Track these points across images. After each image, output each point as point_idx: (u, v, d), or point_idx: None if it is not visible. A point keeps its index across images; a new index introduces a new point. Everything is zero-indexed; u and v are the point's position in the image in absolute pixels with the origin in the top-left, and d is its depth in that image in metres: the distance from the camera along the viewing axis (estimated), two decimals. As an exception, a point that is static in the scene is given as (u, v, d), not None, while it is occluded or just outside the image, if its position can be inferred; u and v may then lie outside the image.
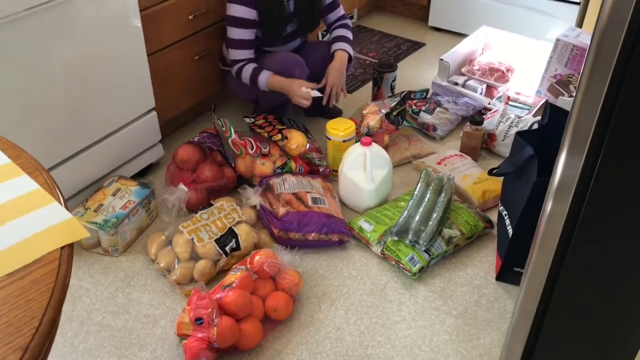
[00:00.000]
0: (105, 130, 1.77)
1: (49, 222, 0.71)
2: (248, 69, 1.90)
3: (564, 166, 0.85)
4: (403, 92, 2.10)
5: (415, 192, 1.73)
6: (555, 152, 0.88)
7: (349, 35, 2.07)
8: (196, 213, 1.71)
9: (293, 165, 1.89)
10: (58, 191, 0.77)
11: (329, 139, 1.92)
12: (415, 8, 3.13)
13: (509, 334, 1.05)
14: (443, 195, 1.71)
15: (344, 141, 1.91)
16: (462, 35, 2.95)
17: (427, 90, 2.14)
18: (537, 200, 1.39)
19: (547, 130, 1.61)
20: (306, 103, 1.85)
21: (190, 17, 1.98)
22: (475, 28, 2.84)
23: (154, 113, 1.93)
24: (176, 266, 1.58)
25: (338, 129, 1.90)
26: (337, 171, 1.92)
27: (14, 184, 0.77)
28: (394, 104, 2.06)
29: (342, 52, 1.99)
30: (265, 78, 1.90)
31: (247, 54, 1.93)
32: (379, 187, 1.81)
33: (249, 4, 1.88)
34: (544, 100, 2.26)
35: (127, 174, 1.89)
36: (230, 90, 2.18)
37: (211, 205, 1.74)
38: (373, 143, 1.81)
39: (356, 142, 1.92)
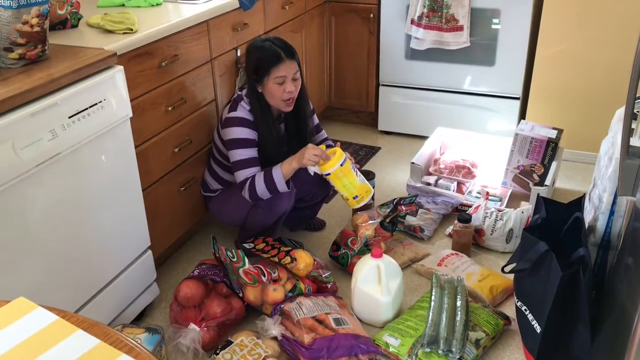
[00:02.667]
0: (101, 283, 1.65)
1: (80, 351, 0.69)
2: (259, 177, 1.87)
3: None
4: (395, 199, 2.13)
5: (433, 299, 1.70)
6: (563, 241, 0.86)
7: (329, 143, 2.13)
8: (217, 354, 1.59)
9: (302, 286, 1.85)
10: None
11: (328, 174, 1.85)
12: (364, 115, 3.26)
13: None
14: (459, 297, 1.71)
15: (340, 165, 1.88)
16: (412, 136, 3.09)
17: (416, 196, 2.19)
18: (566, 293, 1.45)
19: (547, 222, 1.67)
20: (316, 159, 1.80)
21: (175, 150, 1.97)
22: (421, 128, 3.00)
23: (149, 252, 1.85)
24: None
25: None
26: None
27: (28, 319, 0.74)
28: (388, 210, 2.08)
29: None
30: (279, 173, 1.87)
31: (255, 170, 1.92)
32: (395, 297, 1.79)
33: (250, 125, 1.91)
34: (510, 191, 2.40)
35: (126, 322, 1.76)
36: (215, 215, 2.14)
37: (231, 342, 1.63)
38: (383, 255, 1.81)
39: (365, 248, 1.91)
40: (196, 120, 2.06)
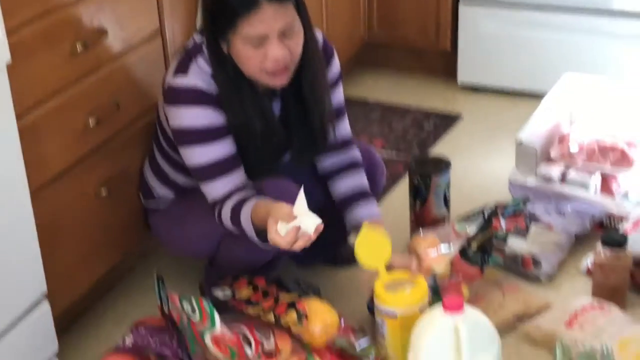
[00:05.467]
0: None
1: None
2: (247, 211, 1.88)
3: None
4: (486, 208, 2.14)
5: None
6: None
7: (364, 182, 2.15)
8: None
9: None
10: None
11: (389, 314, 1.89)
12: (431, 57, 3.26)
13: None
14: None
15: (419, 310, 1.90)
16: (516, 95, 3.08)
17: (526, 201, 2.19)
18: None
19: None
20: (285, 246, 1.81)
21: (90, 123, 1.97)
22: (533, 80, 3.00)
23: (46, 305, 1.87)
24: None
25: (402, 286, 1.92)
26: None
27: None
28: (475, 228, 2.09)
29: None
30: (247, 214, 1.88)
31: (233, 180, 1.92)
32: None
33: (211, 103, 1.91)
34: None
35: None
36: (162, 240, 2.21)
37: None
38: (466, 306, 1.76)
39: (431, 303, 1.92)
40: (127, 69, 2.05)
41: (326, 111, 2.06)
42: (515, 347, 2.03)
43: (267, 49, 1.86)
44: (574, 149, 2.49)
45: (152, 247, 2.38)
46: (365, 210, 2.08)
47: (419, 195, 2.36)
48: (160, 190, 2.13)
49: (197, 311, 1.78)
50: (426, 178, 2.33)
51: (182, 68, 1.93)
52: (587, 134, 2.54)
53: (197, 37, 1.97)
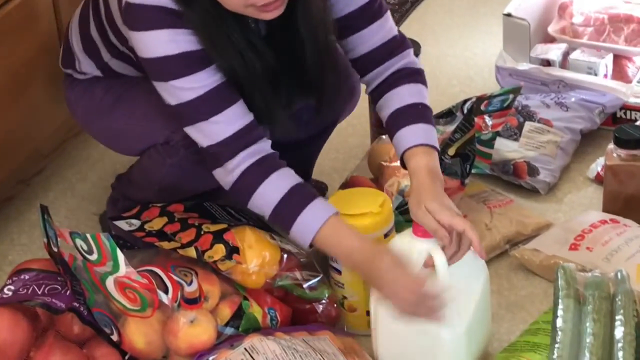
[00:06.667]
0: None
1: None
2: (273, 186, 1.89)
3: None
4: (467, 101, 2.15)
5: (559, 322, 1.70)
6: None
7: (424, 97, 2.05)
8: None
9: (257, 311, 1.87)
10: None
11: None
12: None
13: None
14: (621, 318, 1.70)
15: (385, 235, 1.94)
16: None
17: (516, 91, 2.19)
18: None
19: None
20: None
21: None
22: None
23: None
24: None
25: (361, 210, 1.93)
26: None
27: None
28: (452, 129, 2.11)
29: (426, 150, 1.97)
30: (316, 226, 1.85)
31: (239, 115, 1.90)
32: (473, 327, 1.80)
33: (182, 25, 1.89)
34: None
35: None
36: (81, 123, 2.24)
37: None
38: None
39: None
40: None
41: (322, 44, 2.02)
42: (507, 277, 2.07)
43: None
44: (577, 21, 2.49)
45: (34, 169, 2.39)
46: (409, 135, 1.98)
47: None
48: (88, 68, 2.13)
49: (94, 250, 1.76)
50: (389, 67, 2.30)
51: None
52: (594, 2, 2.54)
53: None
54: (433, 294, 1.76)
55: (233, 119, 1.90)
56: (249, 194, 1.88)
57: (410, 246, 1.81)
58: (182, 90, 1.89)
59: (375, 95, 2.07)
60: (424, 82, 2.06)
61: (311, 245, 1.88)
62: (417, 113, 1.99)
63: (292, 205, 1.86)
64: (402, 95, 2.02)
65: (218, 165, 1.90)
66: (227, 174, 1.89)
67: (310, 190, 1.93)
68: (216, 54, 1.91)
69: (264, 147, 1.91)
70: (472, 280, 1.84)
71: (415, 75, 2.05)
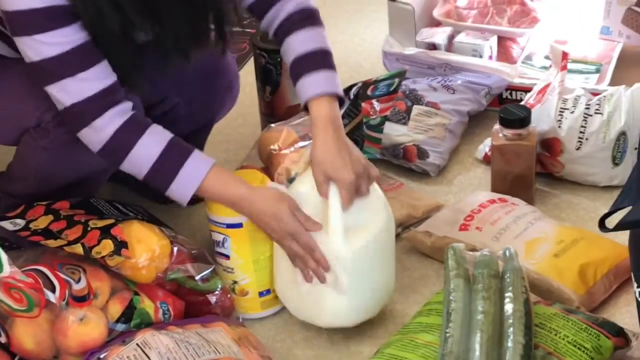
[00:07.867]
0: None
1: None
2: (145, 141, 1.90)
3: None
4: (354, 86, 2.16)
5: (452, 301, 1.72)
6: None
7: (324, 42, 2.06)
8: None
9: (149, 306, 1.88)
10: None
11: (231, 225, 1.95)
12: None
13: None
14: (510, 295, 1.73)
15: None
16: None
17: (401, 74, 2.20)
18: None
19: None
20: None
21: None
22: None
23: None
24: None
25: None
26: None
27: None
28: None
29: (326, 100, 1.98)
30: (200, 176, 1.89)
31: (104, 75, 1.89)
32: (364, 258, 1.85)
33: None
34: (618, 47, 2.43)
35: None
36: None
37: None
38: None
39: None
40: None
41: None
42: (400, 260, 2.06)
43: None
44: (462, 4, 2.52)
45: None
46: (311, 82, 1.99)
47: (268, 79, 2.37)
48: None
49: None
50: (276, 55, 2.28)
51: None
52: (477, -15, 2.58)
53: None
54: (312, 224, 1.87)
55: (101, 76, 1.89)
56: (125, 152, 1.89)
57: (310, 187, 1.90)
58: (47, 45, 1.87)
59: (277, 41, 2.09)
60: (320, 23, 2.08)
61: (191, 202, 1.92)
62: (316, 60, 2.01)
63: (173, 157, 1.90)
64: (300, 42, 2.04)
65: (84, 124, 1.89)
66: (96, 133, 1.89)
67: (185, 143, 1.95)
68: (80, 8, 1.88)
69: (130, 106, 1.92)
70: (378, 211, 1.88)
71: (310, 19, 2.07)
